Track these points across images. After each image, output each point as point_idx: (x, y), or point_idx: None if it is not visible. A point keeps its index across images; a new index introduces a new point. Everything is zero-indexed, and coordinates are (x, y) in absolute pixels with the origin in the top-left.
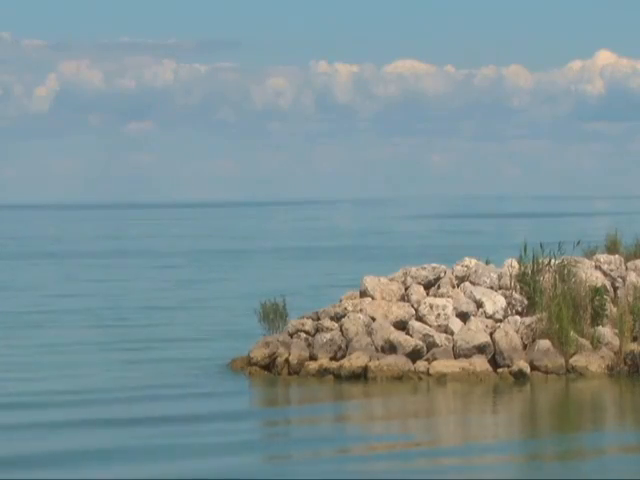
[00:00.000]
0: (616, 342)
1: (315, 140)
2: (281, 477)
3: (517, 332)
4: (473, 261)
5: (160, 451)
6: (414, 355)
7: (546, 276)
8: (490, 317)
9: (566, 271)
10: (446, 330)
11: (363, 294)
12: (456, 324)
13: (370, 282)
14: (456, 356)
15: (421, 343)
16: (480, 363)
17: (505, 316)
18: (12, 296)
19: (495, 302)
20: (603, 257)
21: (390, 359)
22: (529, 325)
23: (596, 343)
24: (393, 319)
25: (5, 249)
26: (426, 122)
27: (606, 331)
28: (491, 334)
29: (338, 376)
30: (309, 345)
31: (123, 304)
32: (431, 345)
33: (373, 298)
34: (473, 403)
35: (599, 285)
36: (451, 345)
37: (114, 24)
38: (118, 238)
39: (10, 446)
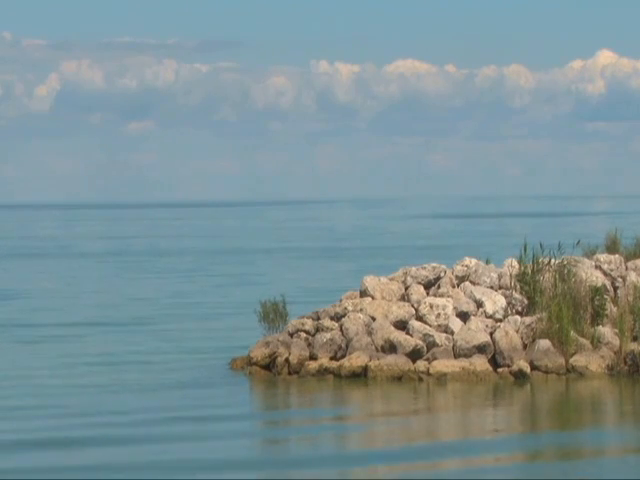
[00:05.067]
0: (616, 342)
1: (315, 140)
2: (280, 477)
3: (517, 332)
4: (473, 261)
5: (159, 448)
6: (414, 355)
7: (546, 276)
8: (490, 317)
9: (566, 271)
10: (446, 330)
11: (363, 294)
12: (456, 324)
13: (370, 282)
14: (456, 356)
15: (421, 343)
16: (480, 363)
17: (505, 316)
18: (15, 302)
19: (495, 302)
20: (603, 257)
21: (390, 359)
22: (529, 325)
23: (596, 343)
24: (393, 319)
25: (7, 249)
26: (426, 122)
27: (606, 331)
28: (491, 334)
29: (338, 376)
30: (309, 345)
31: (121, 303)
32: (431, 345)
33: (373, 298)
34: (473, 403)
35: (599, 285)
36: (451, 345)
37: (115, 24)
38: (118, 238)
39: None
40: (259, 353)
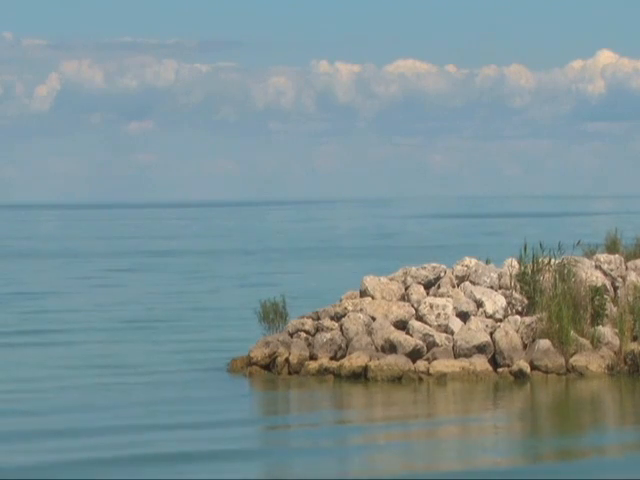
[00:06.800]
0: (616, 342)
1: (316, 140)
2: (281, 477)
3: (517, 332)
4: (473, 261)
5: (161, 445)
6: (414, 355)
7: (546, 276)
8: (490, 317)
9: (566, 271)
10: (446, 330)
11: (363, 294)
12: (456, 324)
13: (370, 282)
14: (456, 356)
15: (421, 343)
16: (480, 363)
17: (505, 316)
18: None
19: (495, 302)
20: (603, 257)
21: (390, 359)
22: (529, 325)
23: (596, 343)
24: (393, 319)
25: (9, 249)
26: (427, 122)
27: (606, 331)
28: (491, 334)
29: (338, 376)
30: (309, 345)
31: (120, 304)
32: (431, 345)
33: (373, 298)
34: (473, 403)
35: (599, 285)
36: (451, 345)
37: (115, 24)
38: (118, 238)
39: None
40: (259, 353)
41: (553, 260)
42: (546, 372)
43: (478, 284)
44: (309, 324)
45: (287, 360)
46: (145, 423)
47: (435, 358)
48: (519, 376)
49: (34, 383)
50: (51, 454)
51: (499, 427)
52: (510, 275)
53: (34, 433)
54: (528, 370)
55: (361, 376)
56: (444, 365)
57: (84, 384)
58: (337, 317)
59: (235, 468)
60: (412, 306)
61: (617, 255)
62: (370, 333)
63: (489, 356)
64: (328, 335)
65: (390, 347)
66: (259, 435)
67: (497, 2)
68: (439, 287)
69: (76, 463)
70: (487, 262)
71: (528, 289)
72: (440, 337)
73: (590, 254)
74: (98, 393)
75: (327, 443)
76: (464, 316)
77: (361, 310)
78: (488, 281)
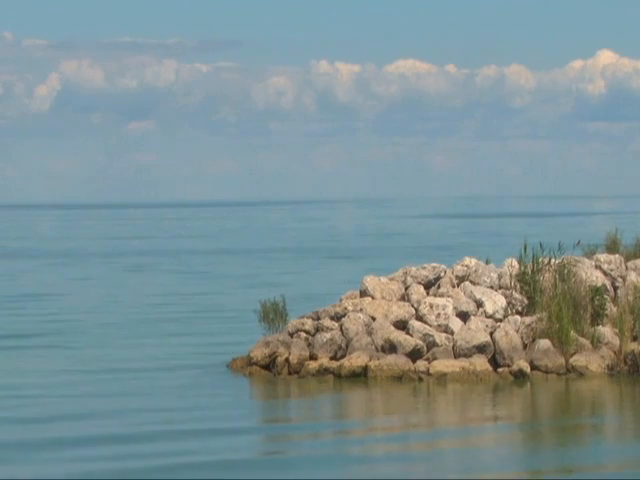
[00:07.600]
0: (616, 342)
1: (316, 140)
2: (281, 477)
3: (517, 332)
4: (473, 261)
5: (166, 437)
6: (414, 355)
7: (546, 276)
8: (490, 317)
9: (566, 271)
10: (446, 330)
11: (363, 294)
12: (456, 324)
13: (370, 282)
14: (456, 356)
15: (421, 343)
16: (480, 363)
17: (505, 316)
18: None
19: (495, 302)
20: (603, 257)
21: (390, 359)
22: (529, 325)
23: (596, 343)
24: (393, 319)
25: (8, 249)
26: (427, 122)
27: (606, 331)
28: (491, 334)
29: (338, 376)
30: (309, 345)
31: (120, 304)
32: (431, 345)
33: (373, 298)
34: (473, 403)
35: (599, 285)
36: (451, 345)
37: (115, 24)
38: (117, 238)
39: None
40: (259, 353)
41: (553, 260)
42: (546, 372)
43: (478, 284)
44: (309, 324)
45: (287, 360)
46: (145, 430)
47: (435, 358)
48: (519, 376)
49: (30, 389)
50: (49, 464)
51: (499, 428)
52: (510, 275)
53: (32, 442)
54: (528, 370)
55: (361, 376)
56: (444, 365)
57: (82, 389)
58: (337, 317)
59: (235, 477)
60: (412, 306)
61: (617, 255)
62: (370, 333)
63: (489, 356)
64: (328, 335)
65: (390, 347)
66: (259, 443)
67: (497, 2)
68: (439, 287)
69: (71, 475)
70: (487, 262)
71: (528, 289)
72: (440, 337)
73: (590, 254)
74: (96, 399)
75: (327, 452)
76: (464, 316)
77: (361, 310)
78: (488, 281)
